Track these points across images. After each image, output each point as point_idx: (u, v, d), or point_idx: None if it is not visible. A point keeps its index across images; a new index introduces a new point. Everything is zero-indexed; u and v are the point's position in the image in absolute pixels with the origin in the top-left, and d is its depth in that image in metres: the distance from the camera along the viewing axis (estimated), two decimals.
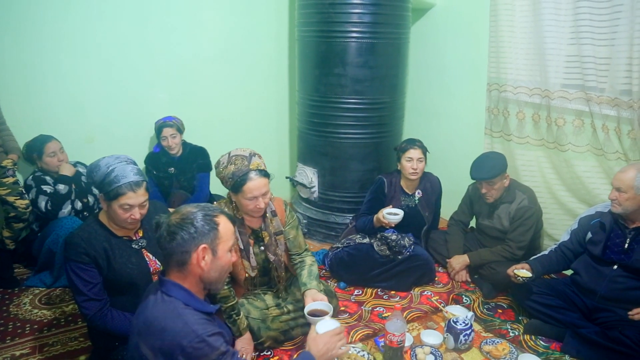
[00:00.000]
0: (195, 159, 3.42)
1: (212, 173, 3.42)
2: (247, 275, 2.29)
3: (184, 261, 1.44)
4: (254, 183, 2.11)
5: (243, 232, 2.26)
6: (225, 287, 2.16)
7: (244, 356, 2.17)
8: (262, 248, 2.32)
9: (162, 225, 1.46)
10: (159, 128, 3.32)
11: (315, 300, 2.24)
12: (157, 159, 3.39)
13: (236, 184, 2.13)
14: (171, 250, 1.44)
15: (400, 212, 2.78)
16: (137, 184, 1.92)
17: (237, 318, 2.18)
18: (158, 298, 1.44)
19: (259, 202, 2.14)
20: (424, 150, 2.94)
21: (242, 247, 2.25)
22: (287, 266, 2.44)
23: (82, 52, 3.25)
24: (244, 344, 2.20)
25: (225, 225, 1.50)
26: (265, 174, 2.17)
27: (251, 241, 2.30)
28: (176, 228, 1.43)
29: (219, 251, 1.47)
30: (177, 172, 3.38)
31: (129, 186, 1.90)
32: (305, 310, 2.14)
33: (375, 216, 2.84)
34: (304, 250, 2.48)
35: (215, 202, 2.32)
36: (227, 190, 2.34)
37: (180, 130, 3.35)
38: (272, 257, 2.32)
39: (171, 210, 1.57)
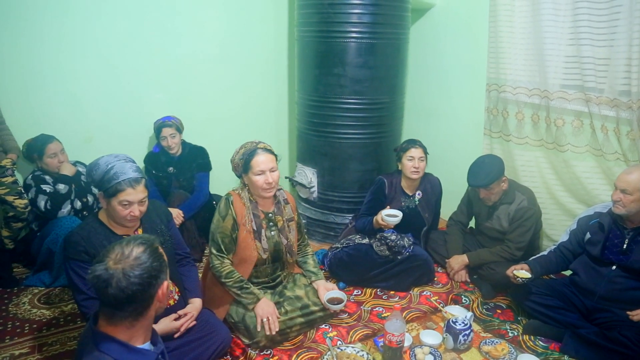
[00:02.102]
0: (195, 159, 3.42)
1: (212, 173, 3.46)
2: (258, 256, 2.37)
3: (147, 306, 1.32)
4: (261, 157, 2.29)
5: (257, 215, 2.37)
6: (227, 263, 2.34)
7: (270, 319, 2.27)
8: (273, 233, 2.42)
9: (114, 279, 1.26)
10: (158, 128, 3.31)
11: (327, 289, 2.49)
12: (157, 158, 3.39)
13: (246, 161, 2.30)
14: (131, 300, 1.28)
15: (399, 214, 2.77)
16: (136, 180, 1.93)
17: (247, 286, 2.33)
18: (89, 351, 1.29)
19: (267, 176, 2.29)
20: (425, 150, 2.95)
21: (255, 229, 2.35)
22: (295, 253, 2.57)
23: (81, 51, 3.25)
24: (266, 310, 2.28)
25: (163, 253, 1.41)
26: (271, 152, 2.35)
27: (263, 225, 2.39)
28: (138, 277, 1.27)
29: (166, 281, 1.39)
30: (177, 171, 3.38)
31: (128, 182, 1.90)
32: (325, 298, 2.42)
33: (375, 218, 2.85)
34: (306, 240, 2.69)
35: (231, 190, 2.43)
36: (225, 191, 2.45)
37: (179, 129, 3.35)
38: (284, 241, 2.44)
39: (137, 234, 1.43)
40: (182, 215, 3.16)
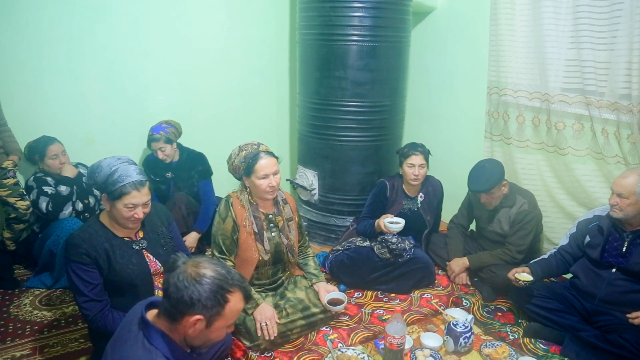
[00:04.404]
0: (194, 165, 3.36)
1: (213, 175, 3.45)
2: (260, 258, 2.37)
3: (175, 318, 1.37)
4: (265, 161, 2.29)
5: (257, 217, 2.38)
6: (230, 265, 2.28)
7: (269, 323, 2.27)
8: (274, 234, 2.43)
9: (176, 271, 1.36)
10: (148, 142, 3.26)
11: (328, 291, 2.49)
12: (155, 163, 3.34)
13: (248, 165, 2.30)
14: (170, 299, 1.36)
15: (402, 222, 2.76)
16: (141, 183, 1.95)
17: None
18: (139, 341, 1.35)
19: (271, 180, 2.30)
20: (426, 156, 2.93)
21: (257, 231, 2.36)
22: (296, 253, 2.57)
23: (83, 53, 3.26)
24: (264, 314, 2.27)
25: (234, 305, 1.39)
26: (273, 155, 2.36)
27: (264, 226, 2.39)
28: (184, 285, 1.33)
29: (213, 325, 1.38)
30: (175, 177, 3.34)
31: (133, 185, 1.92)
32: (326, 300, 2.43)
33: (377, 222, 2.85)
34: (307, 241, 2.70)
35: (230, 192, 2.42)
36: (227, 194, 2.45)
37: (169, 140, 3.24)
38: (285, 241, 2.44)
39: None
40: (199, 236, 3.20)
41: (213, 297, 1.34)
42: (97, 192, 3.12)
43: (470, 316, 2.42)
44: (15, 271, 3.04)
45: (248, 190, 2.38)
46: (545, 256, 2.62)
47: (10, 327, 2.52)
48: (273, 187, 2.32)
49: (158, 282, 2.09)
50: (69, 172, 3.02)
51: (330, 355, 2.23)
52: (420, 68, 3.92)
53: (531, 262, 2.61)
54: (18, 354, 2.30)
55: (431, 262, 3.00)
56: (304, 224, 3.38)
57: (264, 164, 2.28)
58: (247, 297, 1.45)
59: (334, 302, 2.44)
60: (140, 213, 1.96)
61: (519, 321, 2.62)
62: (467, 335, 2.27)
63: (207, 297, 1.34)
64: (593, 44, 2.65)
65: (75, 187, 3.02)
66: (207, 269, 1.37)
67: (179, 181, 3.35)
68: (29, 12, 3.04)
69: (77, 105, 3.32)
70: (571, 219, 2.95)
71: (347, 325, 2.54)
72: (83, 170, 3.13)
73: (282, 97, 4.15)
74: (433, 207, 3.10)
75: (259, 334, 2.25)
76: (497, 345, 2.32)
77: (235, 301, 1.39)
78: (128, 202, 1.91)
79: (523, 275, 2.47)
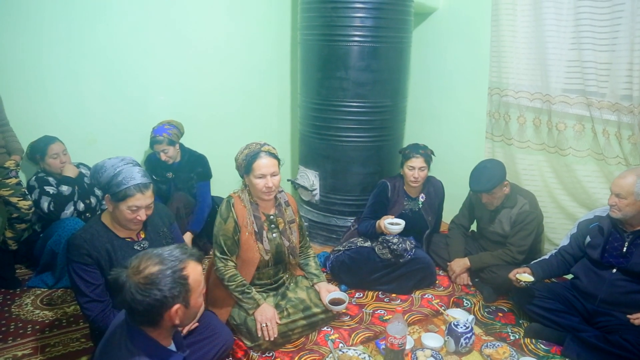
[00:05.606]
0: (194, 167, 3.36)
1: (214, 176, 3.45)
2: (260, 257, 2.37)
3: (155, 321, 1.37)
4: (263, 161, 2.27)
5: (258, 217, 2.38)
6: (231, 266, 2.34)
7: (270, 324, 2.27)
8: (275, 235, 2.43)
9: (125, 288, 1.32)
10: (151, 144, 3.27)
11: (329, 291, 2.49)
12: (156, 163, 3.34)
13: (248, 163, 2.29)
14: (139, 314, 1.34)
15: (402, 223, 2.77)
16: (145, 185, 1.95)
17: (248, 291, 2.34)
18: (122, 344, 1.37)
19: (267, 180, 2.28)
20: (427, 158, 2.93)
21: (256, 230, 2.35)
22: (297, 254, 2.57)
23: (84, 53, 3.26)
24: (265, 315, 2.28)
25: (194, 274, 1.40)
26: (274, 156, 2.33)
27: (265, 227, 2.39)
28: (142, 295, 1.31)
29: (191, 302, 1.40)
30: (175, 177, 3.35)
31: (137, 188, 1.92)
32: (327, 300, 2.43)
33: (377, 223, 2.85)
34: (307, 241, 2.70)
35: (232, 192, 2.43)
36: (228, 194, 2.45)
37: (172, 142, 3.25)
38: (286, 243, 2.44)
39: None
40: (192, 237, 3.18)
41: (175, 285, 1.34)
42: (98, 192, 3.12)
43: (471, 317, 2.42)
44: (17, 271, 3.05)
45: (248, 189, 2.39)
46: (546, 257, 2.62)
47: (12, 327, 2.52)
48: (269, 187, 2.30)
49: None
50: (71, 172, 3.02)
51: (331, 355, 2.23)
52: (422, 69, 3.92)
53: (532, 262, 2.61)
54: (19, 354, 2.31)
55: (432, 262, 3.00)
56: (305, 224, 3.39)
57: (262, 163, 2.27)
58: (199, 258, 1.45)
59: (335, 302, 2.44)
60: (143, 215, 1.96)
61: (520, 322, 2.62)
62: (468, 335, 2.27)
63: (169, 288, 1.33)
64: (594, 44, 2.65)
65: (76, 187, 3.02)
66: (149, 267, 1.34)
67: (179, 182, 3.35)
68: (28, 12, 3.05)
69: (78, 106, 3.32)
70: (572, 220, 2.95)
71: (348, 326, 2.55)
72: (84, 171, 3.13)
73: (284, 98, 4.16)
74: (434, 208, 3.10)
75: (259, 335, 2.25)
76: (498, 345, 2.32)
77: (193, 271, 1.40)
78: (132, 204, 1.91)
79: (524, 276, 2.47)
